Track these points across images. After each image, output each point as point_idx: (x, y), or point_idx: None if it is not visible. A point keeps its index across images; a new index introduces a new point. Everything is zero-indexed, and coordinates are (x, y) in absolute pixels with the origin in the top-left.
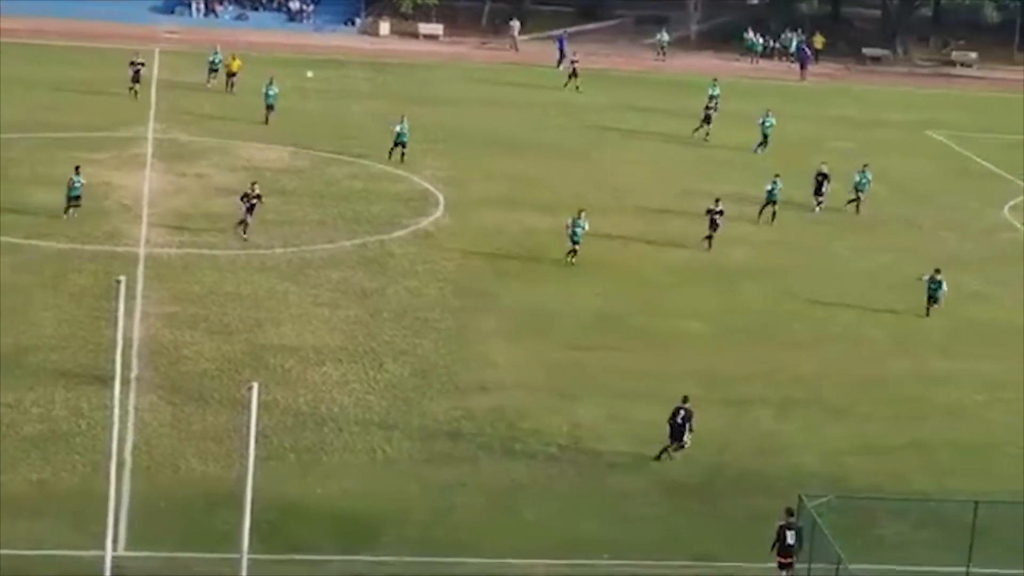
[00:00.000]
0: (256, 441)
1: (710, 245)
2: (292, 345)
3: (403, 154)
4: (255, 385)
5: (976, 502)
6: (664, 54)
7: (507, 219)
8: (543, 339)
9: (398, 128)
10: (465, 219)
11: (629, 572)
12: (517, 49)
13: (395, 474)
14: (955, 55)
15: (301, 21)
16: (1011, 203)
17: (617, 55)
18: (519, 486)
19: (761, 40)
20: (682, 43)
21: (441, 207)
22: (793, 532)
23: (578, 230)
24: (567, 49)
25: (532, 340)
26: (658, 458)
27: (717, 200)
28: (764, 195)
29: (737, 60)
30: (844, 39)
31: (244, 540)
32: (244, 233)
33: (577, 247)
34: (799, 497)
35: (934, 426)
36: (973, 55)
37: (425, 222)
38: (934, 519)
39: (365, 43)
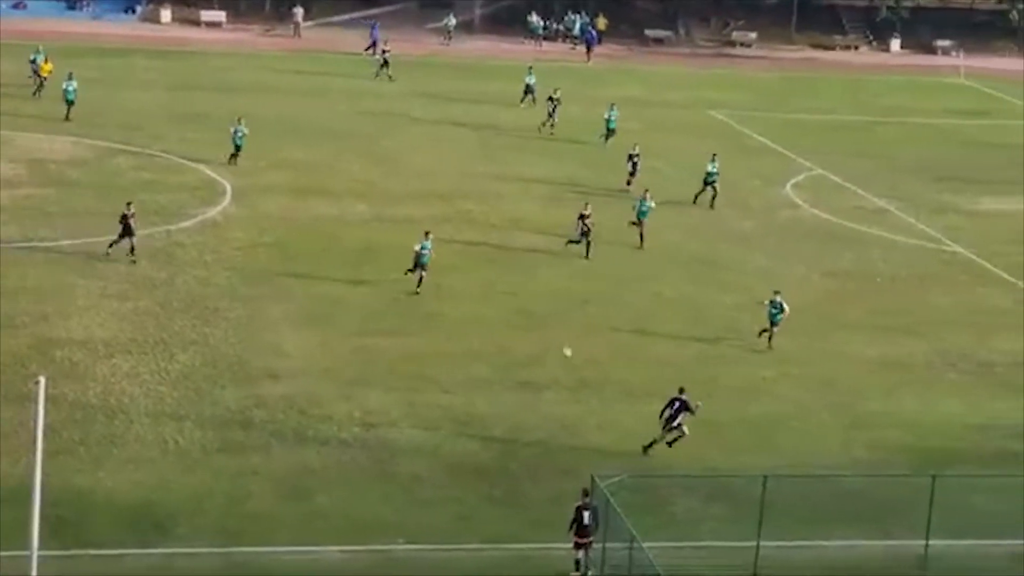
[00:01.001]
0: (45, 436)
1: (588, 254)
2: (80, 338)
3: (235, 156)
4: (42, 379)
5: (765, 476)
6: (450, 38)
7: (295, 207)
8: (333, 326)
9: (234, 130)
10: (253, 208)
11: (424, 556)
12: (300, 36)
13: (188, 464)
14: (735, 35)
15: (80, 9)
16: (793, 181)
17: (403, 40)
18: (312, 473)
19: (544, 23)
20: (466, 27)
21: (228, 196)
22: (589, 512)
23: (425, 252)
24: (379, 36)
25: (322, 327)
26: (646, 451)
27: (586, 204)
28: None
29: (522, 43)
30: (627, 21)
31: (33, 536)
32: (109, 248)
33: (424, 273)
34: (592, 477)
35: (724, 404)
36: (753, 35)
37: (212, 211)
38: (725, 494)
39: (146, 31)
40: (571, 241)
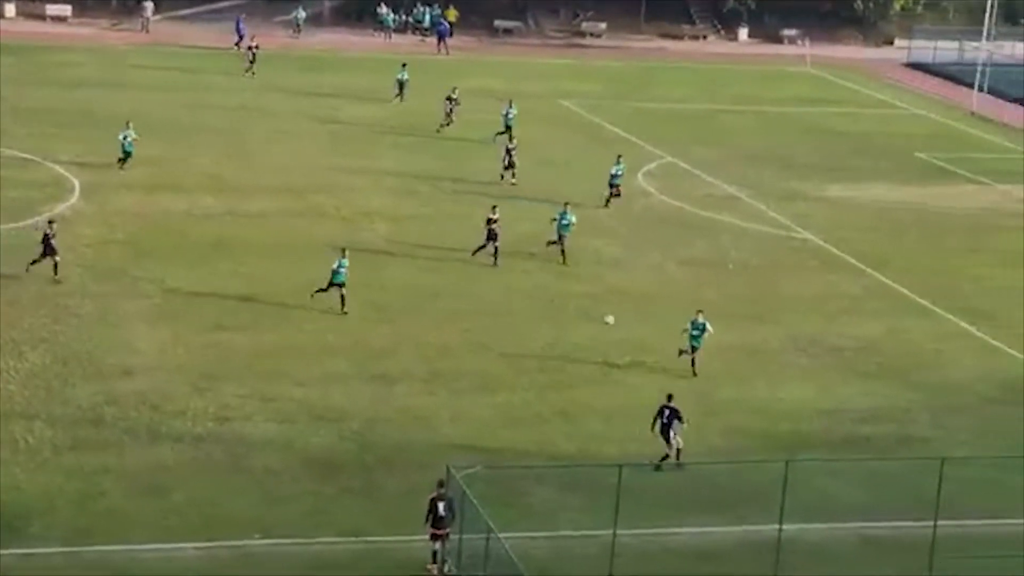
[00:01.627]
0: None
1: (496, 261)
2: None
3: (123, 161)
4: None
5: (620, 466)
6: (299, 31)
7: (146, 203)
8: (186, 322)
9: (123, 135)
10: (102, 203)
11: (279, 551)
12: (148, 30)
13: (39, 463)
14: (585, 26)
15: None
16: (644, 169)
17: (252, 34)
18: (166, 469)
19: (394, 15)
20: (316, 19)
21: (77, 192)
22: (444, 504)
23: (342, 270)
24: (244, 30)
25: (175, 323)
26: (658, 468)
27: (494, 207)
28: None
29: (372, 35)
30: (476, 12)
31: None
32: (30, 266)
33: (344, 291)
34: (447, 469)
35: (579, 393)
36: (602, 26)
37: (61, 208)
38: (581, 484)
39: None
40: (479, 248)
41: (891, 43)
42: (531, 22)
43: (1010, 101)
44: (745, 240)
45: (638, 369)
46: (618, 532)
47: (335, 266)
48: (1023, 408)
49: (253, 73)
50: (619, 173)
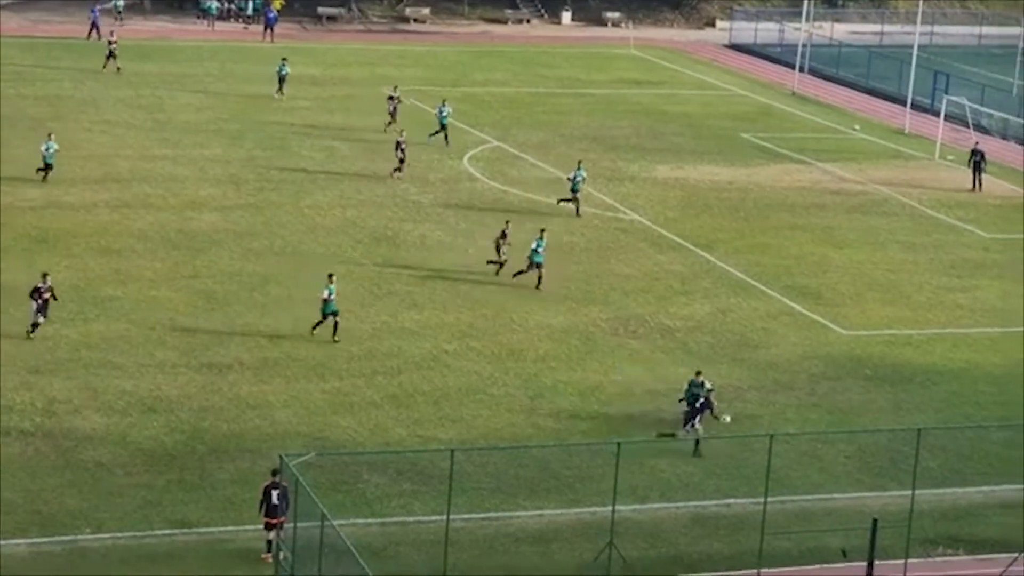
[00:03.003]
0: None
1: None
2: None
3: (44, 171)
4: None
5: (452, 450)
6: (120, 20)
7: None
8: (9, 315)
9: (45, 146)
10: None
11: (112, 544)
12: None
13: None
14: (408, 11)
15: None
16: (470, 153)
17: (72, 22)
18: None
19: (217, 3)
20: (136, 8)
21: None
22: (278, 492)
23: (332, 298)
24: (100, 23)
25: None
26: (696, 452)
27: (507, 222)
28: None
29: (195, 23)
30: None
31: None
32: (32, 333)
33: (338, 319)
34: (280, 457)
35: (409, 378)
36: (426, 11)
37: None
38: (414, 470)
39: None
40: (491, 262)
41: (713, 25)
42: (355, 8)
43: (829, 80)
44: (573, 222)
45: (468, 353)
46: (452, 516)
47: (324, 295)
48: (846, 383)
49: (118, 69)
50: (578, 179)
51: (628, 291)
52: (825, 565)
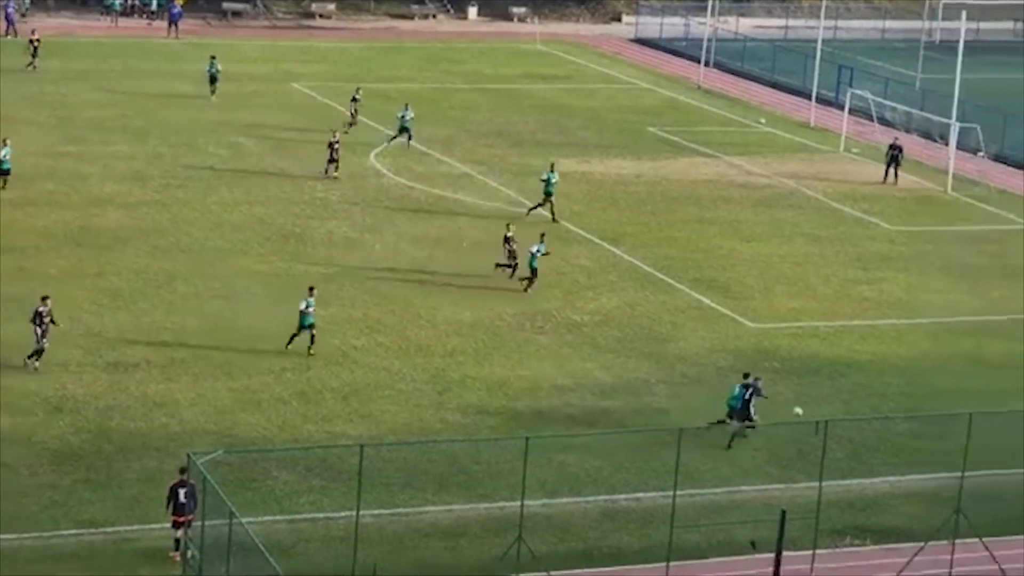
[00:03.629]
0: None
1: (513, 275)
2: None
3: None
4: None
5: (361, 446)
6: (24, 15)
7: None
8: None
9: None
10: None
11: (17, 546)
12: None
13: None
14: (314, 7)
15: None
16: (377, 149)
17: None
18: None
19: None
20: (41, 5)
21: None
22: (185, 490)
23: (310, 310)
24: (14, 16)
25: None
26: (729, 446)
27: (508, 225)
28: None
29: (98, 19)
30: None
31: None
32: (36, 363)
33: (315, 332)
34: (188, 455)
35: (318, 374)
36: (331, 7)
37: None
38: (323, 466)
39: None
40: (499, 264)
41: (619, 19)
42: (260, 4)
43: (735, 74)
44: (479, 217)
45: (376, 349)
46: (361, 513)
47: (303, 307)
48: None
49: (34, 67)
50: (552, 180)
51: (535, 286)
52: (734, 557)
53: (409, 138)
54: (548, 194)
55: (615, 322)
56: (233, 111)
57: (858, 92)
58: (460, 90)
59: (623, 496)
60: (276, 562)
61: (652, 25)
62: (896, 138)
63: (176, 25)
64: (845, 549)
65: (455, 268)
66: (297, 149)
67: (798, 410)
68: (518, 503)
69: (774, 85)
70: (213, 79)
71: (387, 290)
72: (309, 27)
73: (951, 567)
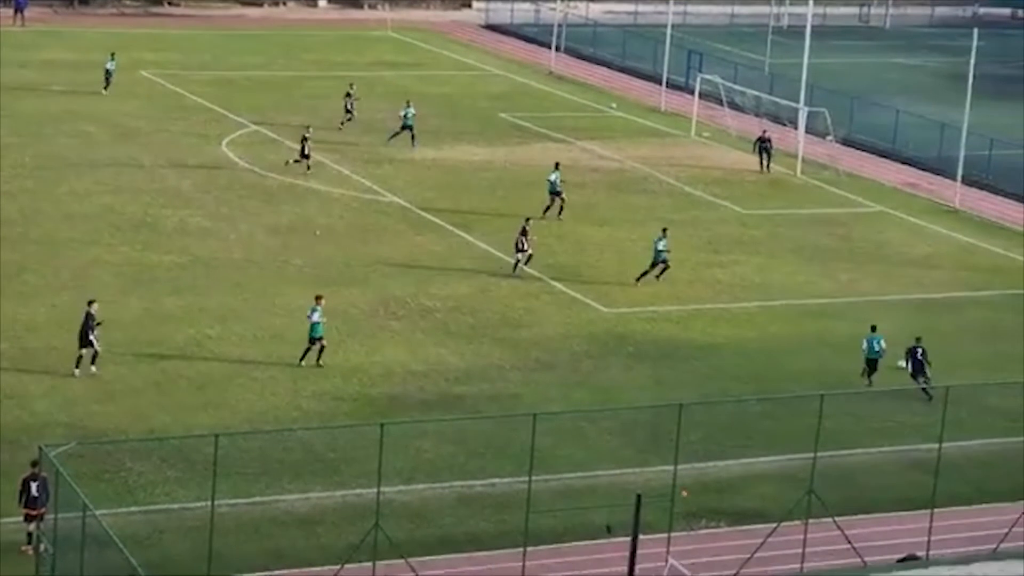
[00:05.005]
0: None
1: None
2: None
3: None
4: None
5: (216, 435)
6: None
7: None
8: None
9: None
10: None
11: None
12: None
13: None
14: None
15: None
16: (228, 138)
17: None
18: None
19: None
20: None
21: None
22: (37, 483)
23: (322, 321)
24: None
25: None
26: (928, 398)
27: (527, 219)
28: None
29: None
30: None
31: None
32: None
33: (324, 343)
34: (40, 448)
35: (172, 364)
36: None
37: None
38: (178, 456)
39: None
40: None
41: (469, 5)
42: None
43: (586, 60)
44: (333, 205)
45: (230, 337)
46: (217, 502)
47: (315, 319)
48: (609, 361)
49: None
50: (556, 180)
51: (388, 273)
52: (590, 541)
53: (413, 137)
54: (556, 192)
55: (468, 308)
56: (82, 100)
57: (708, 77)
58: (311, 78)
59: (479, 482)
60: (131, 554)
61: (503, 11)
62: (765, 130)
63: (22, 13)
64: (700, 532)
65: (309, 256)
66: (148, 137)
67: (901, 363)
68: (374, 490)
69: (625, 70)
70: (108, 75)
71: (241, 279)
72: (158, 14)
73: (804, 547)
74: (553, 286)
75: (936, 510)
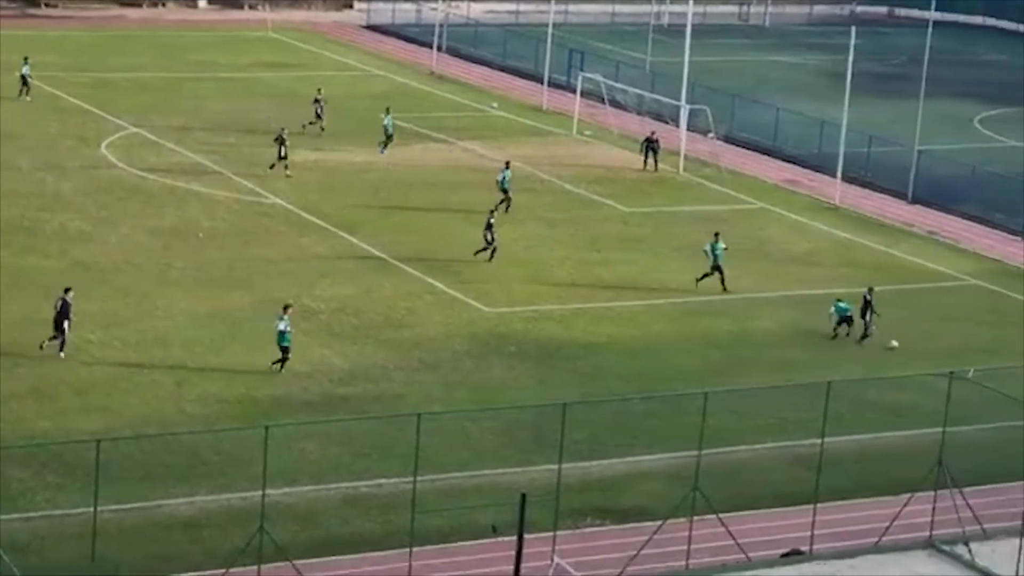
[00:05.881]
0: None
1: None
2: None
3: None
4: None
5: (98, 440)
6: None
7: None
8: None
9: None
10: None
11: None
12: None
13: None
14: None
15: None
16: (108, 140)
17: None
18: None
19: None
20: None
21: None
22: None
23: (286, 332)
24: None
25: None
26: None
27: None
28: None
29: None
30: None
31: None
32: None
33: (288, 356)
34: None
35: (52, 369)
36: None
37: None
38: (59, 462)
39: None
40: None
41: (350, 6)
42: None
43: (467, 60)
44: (215, 207)
45: (112, 342)
46: (100, 508)
47: (281, 327)
48: (491, 360)
49: None
50: (506, 178)
51: (271, 274)
52: (476, 541)
53: (385, 144)
54: (504, 190)
55: (351, 309)
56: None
57: (589, 75)
58: (191, 79)
59: (364, 482)
60: (12, 561)
61: (384, 11)
62: (653, 132)
63: None
64: (586, 530)
65: (191, 259)
66: (25, 140)
67: (895, 343)
68: (259, 492)
69: (506, 69)
70: (24, 80)
71: (123, 282)
72: (34, 16)
73: (689, 544)
74: (435, 286)
75: (819, 505)
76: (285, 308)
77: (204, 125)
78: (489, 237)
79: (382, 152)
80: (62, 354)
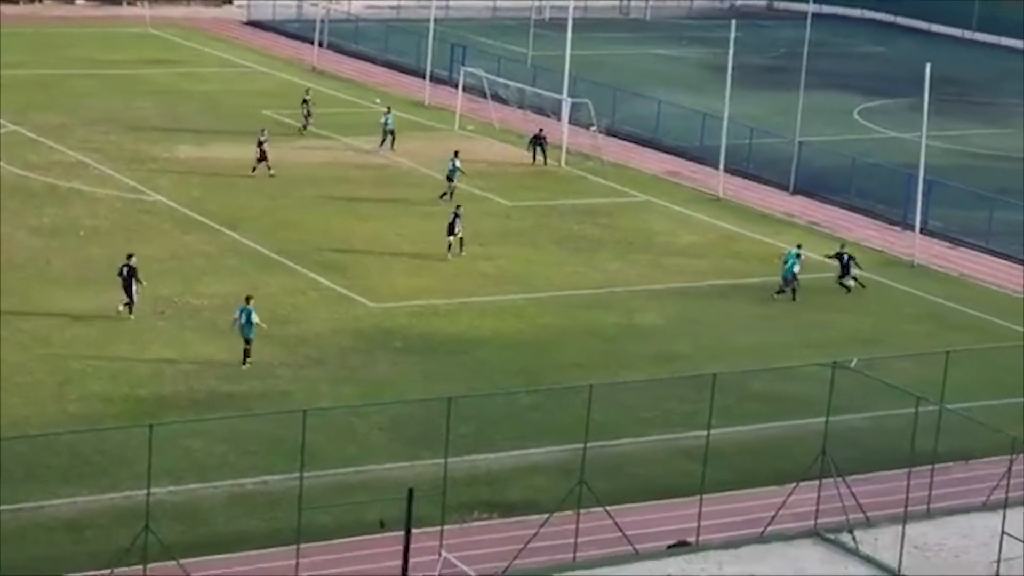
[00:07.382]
0: None
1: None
2: None
3: None
4: None
5: None
6: None
7: None
8: None
9: None
10: None
11: None
12: None
13: None
14: None
15: None
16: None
17: None
18: None
19: None
20: None
21: None
22: None
23: (253, 321)
24: None
25: None
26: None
27: (458, 206)
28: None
29: None
30: None
31: None
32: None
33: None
34: None
35: None
36: None
37: None
38: None
39: None
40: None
41: (231, 2)
42: None
43: (349, 55)
44: (96, 205)
45: (10, 340)
46: None
47: (242, 320)
48: (377, 356)
49: None
50: (454, 168)
51: (154, 272)
52: (364, 537)
53: (384, 141)
54: (450, 180)
55: (236, 306)
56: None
57: (471, 70)
58: (70, 76)
59: (250, 480)
60: None
61: (265, 7)
62: (541, 129)
63: None
64: (473, 524)
65: (73, 257)
66: None
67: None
68: (144, 491)
69: (388, 65)
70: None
71: (4, 282)
72: None
73: (576, 536)
74: (320, 282)
75: (704, 496)
76: (247, 299)
77: (84, 122)
78: (456, 228)
79: (379, 150)
80: (131, 316)
